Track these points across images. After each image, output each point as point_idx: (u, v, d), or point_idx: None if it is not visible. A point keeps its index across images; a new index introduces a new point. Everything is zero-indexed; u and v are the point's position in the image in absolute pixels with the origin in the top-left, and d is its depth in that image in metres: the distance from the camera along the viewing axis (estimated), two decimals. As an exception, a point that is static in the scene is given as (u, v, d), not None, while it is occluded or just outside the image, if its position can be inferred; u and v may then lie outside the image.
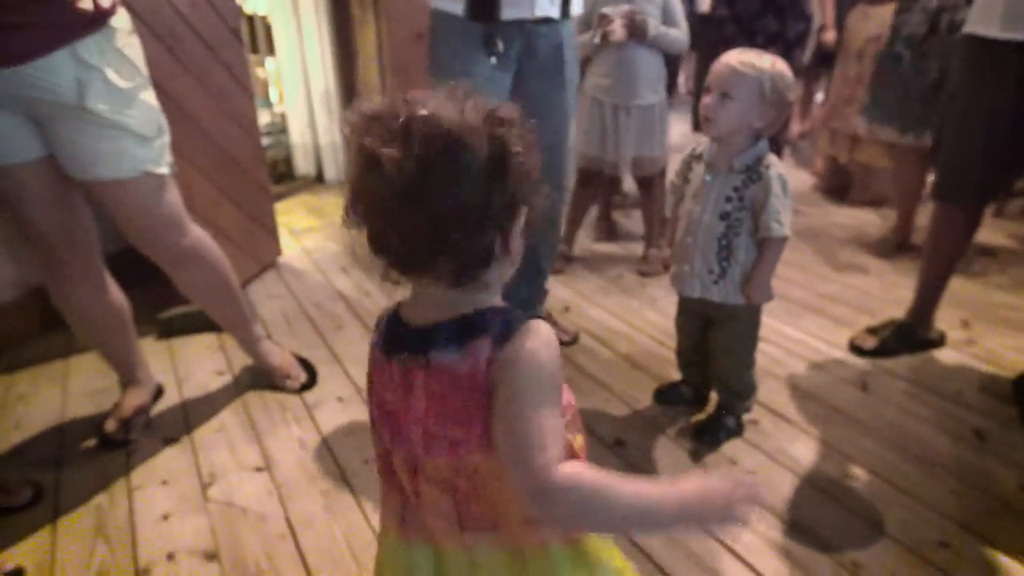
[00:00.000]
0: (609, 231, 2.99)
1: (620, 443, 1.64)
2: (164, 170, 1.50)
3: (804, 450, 1.60)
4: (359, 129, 0.62)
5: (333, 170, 3.86)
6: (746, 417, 1.70)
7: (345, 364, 2.01)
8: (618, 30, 2.19)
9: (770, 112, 1.41)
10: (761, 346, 2.01)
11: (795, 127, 4.31)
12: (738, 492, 0.63)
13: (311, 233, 3.10)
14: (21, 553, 1.34)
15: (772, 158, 1.44)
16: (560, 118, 1.78)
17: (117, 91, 1.37)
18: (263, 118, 3.97)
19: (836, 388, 1.84)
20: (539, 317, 2.15)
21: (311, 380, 1.91)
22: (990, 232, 2.87)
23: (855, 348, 2.00)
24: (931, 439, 1.63)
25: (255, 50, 3.92)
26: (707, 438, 1.63)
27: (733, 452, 1.60)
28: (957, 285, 2.37)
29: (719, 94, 1.39)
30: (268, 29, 3.77)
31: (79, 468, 1.58)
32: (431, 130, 0.59)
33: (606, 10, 2.22)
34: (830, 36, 3.43)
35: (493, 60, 1.65)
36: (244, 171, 2.49)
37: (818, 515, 1.40)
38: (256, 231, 2.60)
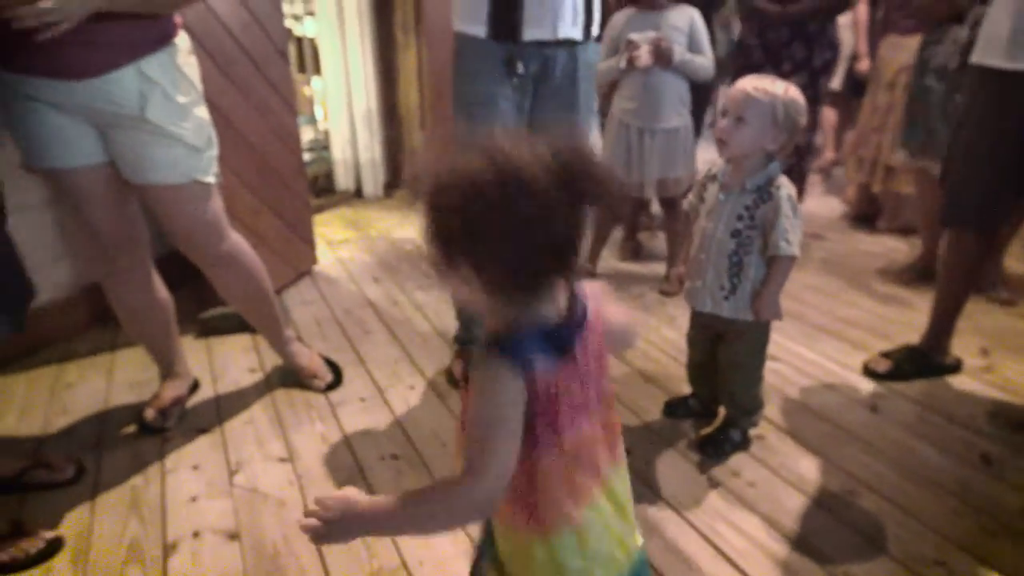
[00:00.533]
0: (634, 251, 3.05)
1: (627, 452, 1.69)
2: (211, 179, 1.63)
3: (808, 466, 1.63)
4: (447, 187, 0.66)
5: (371, 186, 4.00)
6: (753, 432, 1.74)
7: (369, 367, 2.10)
8: (644, 56, 2.28)
9: (782, 136, 1.47)
10: (774, 365, 2.06)
11: (828, 155, 4.32)
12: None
13: (346, 244, 3.23)
14: (62, 524, 1.46)
15: (783, 179, 1.49)
16: None
17: (174, 105, 1.50)
18: (308, 134, 4.15)
19: (845, 408, 1.86)
20: None
21: (336, 380, 2.01)
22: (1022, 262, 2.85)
23: (868, 371, 2.01)
24: (936, 461, 1.64)
25: (302, 70, 4.12)
26: (711, 450, 1.67)
27: (737, 465, 1.64)
28: (982, 313, 2.37)
29: (734, 118, 1.46)
30: (316, 51, 3.96)
31: (118, 451, 1.71)
32: (517, 171, 0.64)
33: (633, 36, 2.30)
34: (864, 65, 3.45)
35: (515, 81, 1.74)
36: (285, 183, 2.63)
37: (816, 528, 1.43)
38: (294, 240, 2.73)
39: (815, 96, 2.66)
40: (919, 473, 1.60)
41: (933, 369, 1.99)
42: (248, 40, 2.35)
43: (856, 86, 3.55)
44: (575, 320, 0.78)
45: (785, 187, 1.47)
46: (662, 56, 2.29)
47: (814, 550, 1.37)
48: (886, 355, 2.03)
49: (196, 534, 1.44)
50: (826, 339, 2.26)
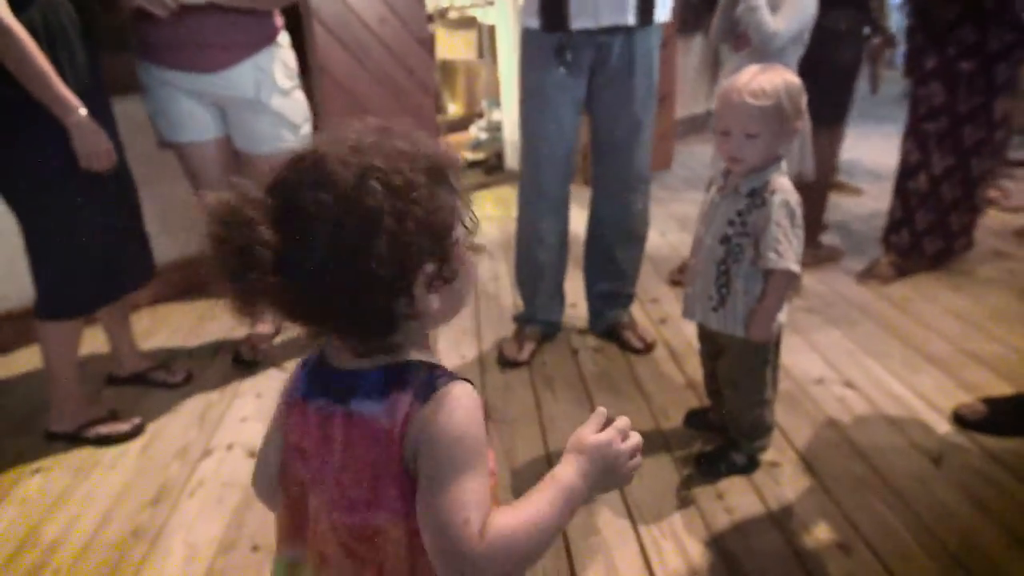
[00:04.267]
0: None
1: (620, 451, 1.66)
2: None
3: (808, 507, 1.45)
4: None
5: (536, 167, 4.16)
6: (766, 458, 1.59)
7: (439, 332, 2.28)
8: None
9: (795, 127, 1.33)
10: (844, 392, 1.85)
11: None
12: (620, 454, 0.66)
13: (485, 220, 3.43)
14: (150, 414, 1.87)
15: (781, 182, 1.33)
16: (629, 125, 1.88)
17: (280, 90, 1.88)
18: (492, 116, 4.44)
19: (901, 455, 1.60)
20: (620, 319, 2.16)
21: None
22: None
23: (957, 417, 1.69)
24: (978, 532, 1.35)
25: (481, 55, 4.40)
26: (704, 468, 1.56)
27: (727, 488, 1.52)
28: None
29: (742, 135, 1.31)
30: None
31: (216, 372, 2.11)
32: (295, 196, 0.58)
33: None
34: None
35: (562, 70, 1.79)
36: (417, 161, 2.90)
37: (768, 572, 1.30)
38: (422, 213, 3.00)
39: (989, 86, 2.21)
40: (943, 540, 1.34)
41: (1048, 428, 1.61)
42: (385, 31, 2.63)
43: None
44: (340, 378, 0.64)
45: (781, 192, 1.32)
46: None
47: (752, 591, 1.26)
48: (989, 401, 1.69)
49: (230, 446, 1.75)
50: (932, 373, 1.91)
